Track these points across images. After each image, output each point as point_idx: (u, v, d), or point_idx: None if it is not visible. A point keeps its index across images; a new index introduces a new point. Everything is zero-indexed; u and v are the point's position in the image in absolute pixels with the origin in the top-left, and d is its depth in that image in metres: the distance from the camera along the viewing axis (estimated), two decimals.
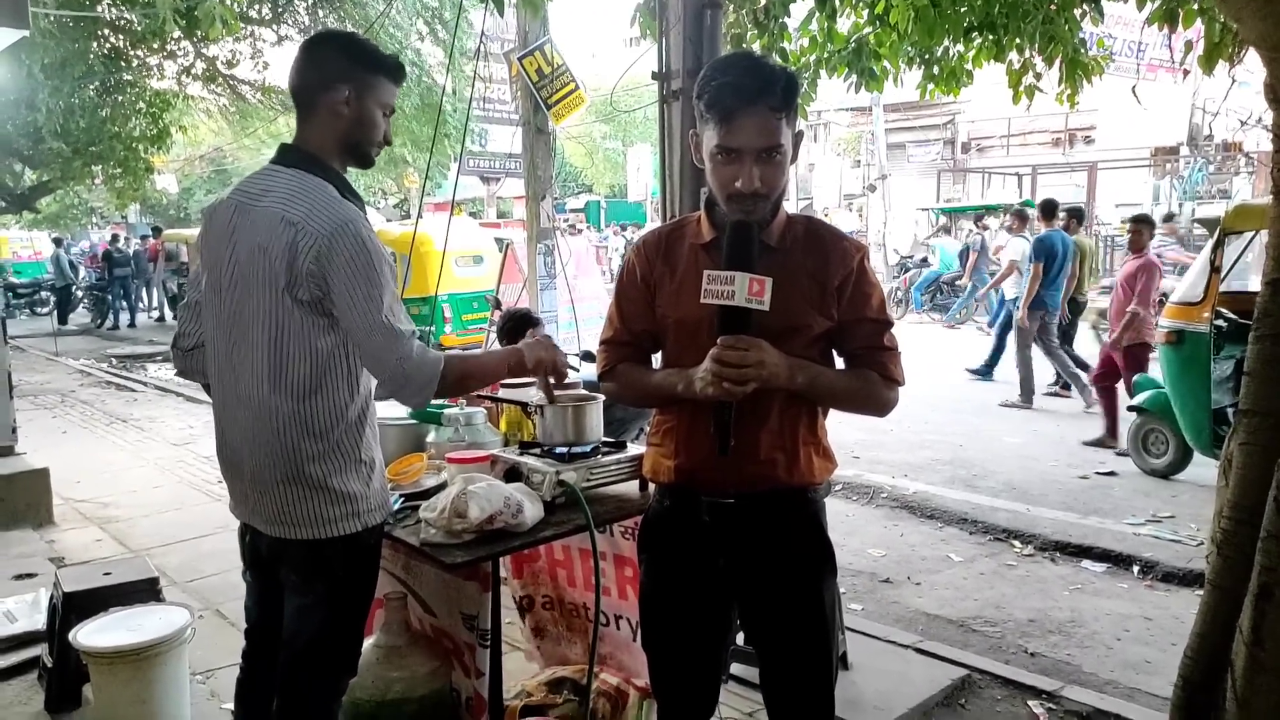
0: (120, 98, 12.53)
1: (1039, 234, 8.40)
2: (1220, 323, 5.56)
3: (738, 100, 1.66)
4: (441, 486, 2.31)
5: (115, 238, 21.37)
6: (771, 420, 1.79)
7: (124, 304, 18.86)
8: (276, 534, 1.97)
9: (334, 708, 2.07)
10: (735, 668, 3.14)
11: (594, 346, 6.51)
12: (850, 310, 1.81)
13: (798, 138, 1.78)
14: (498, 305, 7.27)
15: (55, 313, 18.19)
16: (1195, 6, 4.16)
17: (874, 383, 1.83)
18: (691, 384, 1.72)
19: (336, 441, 1.92)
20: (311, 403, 1.88)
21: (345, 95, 1.93)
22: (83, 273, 20.71)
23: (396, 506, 2.24)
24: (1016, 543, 5.09)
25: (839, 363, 1.91)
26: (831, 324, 1.81)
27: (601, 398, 2.53)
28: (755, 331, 1.67)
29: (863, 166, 26.00)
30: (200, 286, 2.05)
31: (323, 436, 1.90)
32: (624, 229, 22.27)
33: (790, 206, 1.95)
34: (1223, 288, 5.58)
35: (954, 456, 6.82)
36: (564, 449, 2.39)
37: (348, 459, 1.94)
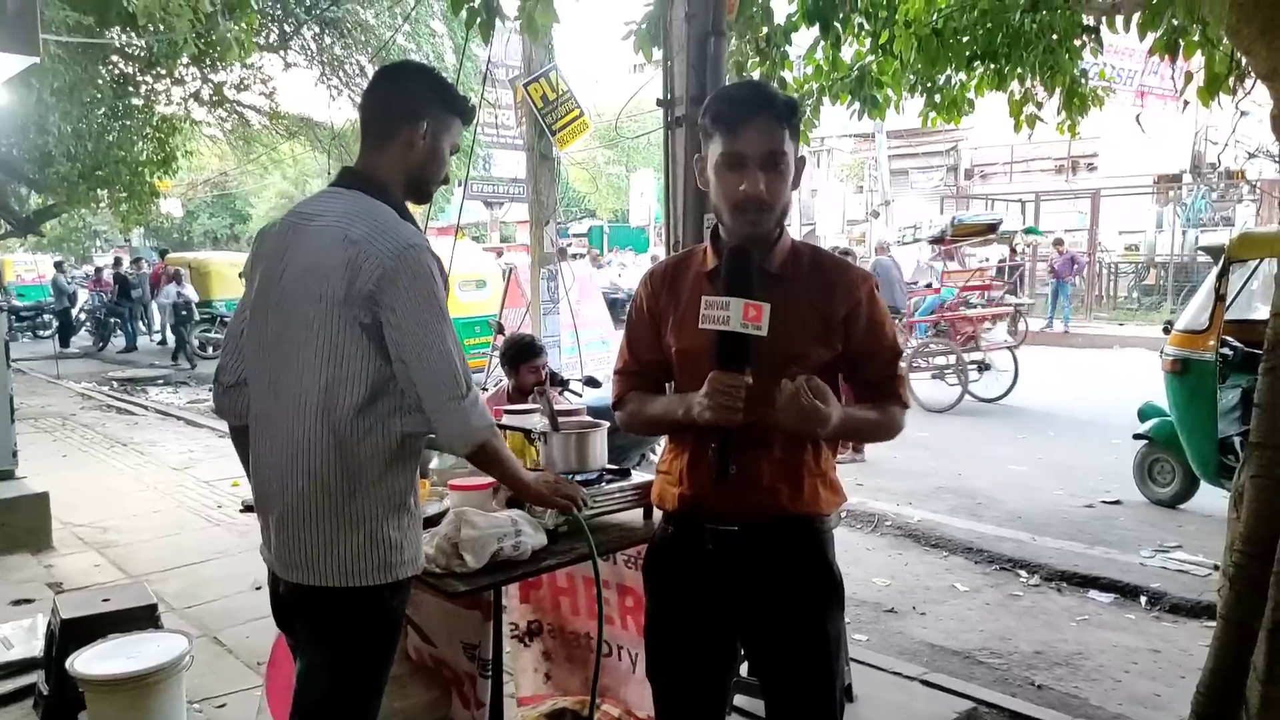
0: (128, 122, 12.60)
1: None
2: (1226, 351, 5.54)
3: (742, 109, 1.71)
4: (444, 515, 2.29)
5: (118, 261, 21.45)
6: (775, 449, 1.77)
7: (130, 327, 18.91)
8: (295, 579, 1.83)
9: None
10: (738, 699, 3.10)
11: (596, 371, 6.46)
12: (865, 342, 1.81)
13: (800, 162, 1.79)
14: (500, 330, 7.27)
15: (57, 336, 18.22)
16: (1196, 39, 4.19)
17: (892, 413, 1.84)
18: (690, 409, 1.72)
19: (380, 478, 1.81)
20: (359, 433, 1.78)
21: (423, 129, 1.90)
22: (83, 296, 20.75)
23: None
24: (1022, 573, 5.05)
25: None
26: (834, 354, 1.80)
27: (605, 425, 2.51)
28: (754, 359, 1.66)
29: (866, 192, 26.11)
30: (245, 313, 1.94)
31: (366, 472, 1.79)
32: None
33: (794, 233, 1.95)
34: (1228, 316, 5.56)
35: (958, 485, 6.78)
36: (568, 476, 2.37)
37: (391, 502, 1.83)
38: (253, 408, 1.92)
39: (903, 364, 1.88)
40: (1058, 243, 18.16)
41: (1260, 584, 1.63)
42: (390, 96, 1.92)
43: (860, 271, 1.86)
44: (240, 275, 1.99)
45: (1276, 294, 1.75)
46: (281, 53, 13.70)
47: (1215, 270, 5.69)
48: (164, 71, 12.15)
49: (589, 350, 8.27)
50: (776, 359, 1.70)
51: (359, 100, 1.98)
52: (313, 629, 1.87)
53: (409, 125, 1.89)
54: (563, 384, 4.67)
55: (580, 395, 4.85)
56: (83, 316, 20.32)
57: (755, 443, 1.72)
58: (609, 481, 2.44)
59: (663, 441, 2.02)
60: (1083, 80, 5.08)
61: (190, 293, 16.72)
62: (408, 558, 1.86)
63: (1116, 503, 6.27)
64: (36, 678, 3.29)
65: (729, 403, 1.65)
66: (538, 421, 2.61)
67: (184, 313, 16.33)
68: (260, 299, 1.88)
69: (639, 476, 2.50)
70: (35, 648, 3.50)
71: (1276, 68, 1.51)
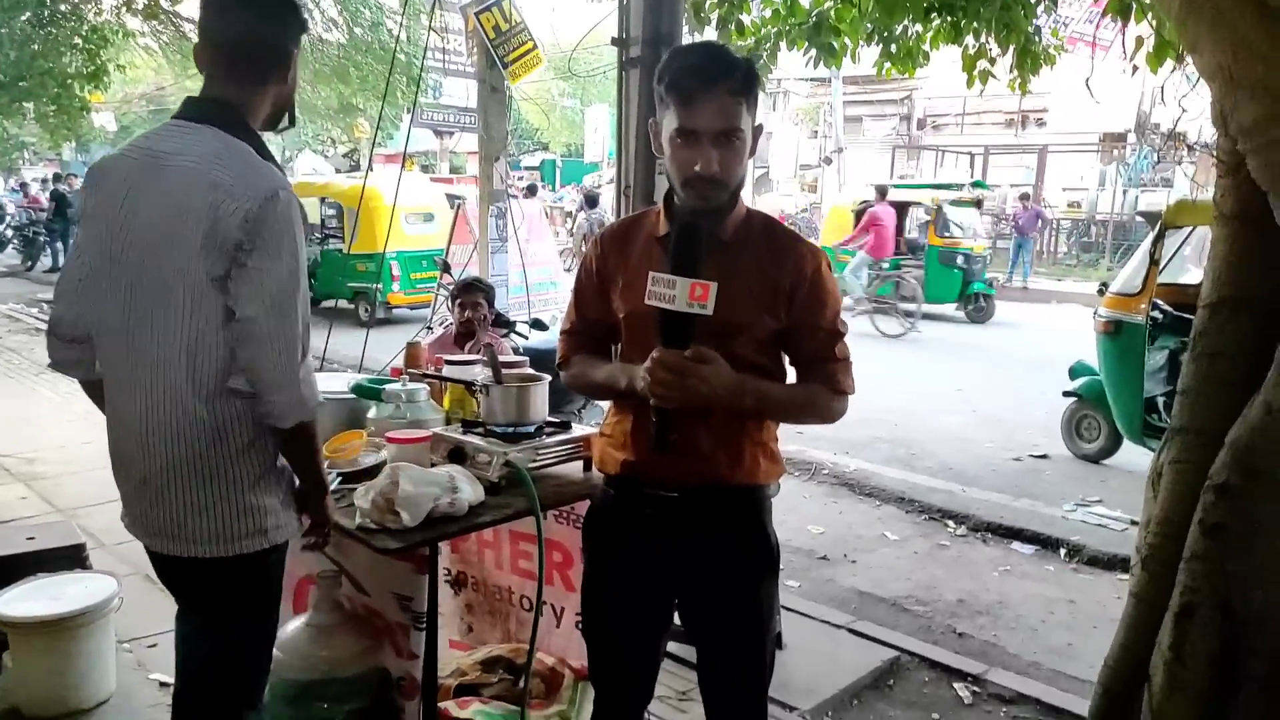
0: (53, 30, 11.94)
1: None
2: (1156, 314, 5.70)
3: (698, 82, 1.65)
4: (380, 466, 2.27)
5: (57, 176, 20.52)
6: (715, 417, 1.77)
7: (63, 246, 18.17)
8: (164, 550, 1.73)
9: None
10: (671, 645, 3.15)
11: (544, 313, 6.34)
12: (803, 316, 1.78)
13: (757, 130, 1.75)
14: (446, 269, 7.15)
15: None
16: (1148, 2, 4.20)
17: (822, 396, 1.82)
18: (634, 381, 1.71)
19: (251, 442, 1.71)
20: (226, 394, 1.67)
21: (292, 59, 1.80)
22: (11, 210, 19.85)
23: (333, 486, 2.16)
24: (950, 523, 5.21)
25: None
26: (779, 325, 1.79)
27: (547, 379, 2.50)
28: (698, 333, 1.64)
29: (820, 138, 26.05)
30: (86, 259, 1.75)
31: (234, 435, 1.69)
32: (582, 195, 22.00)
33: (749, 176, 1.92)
34: (1160, 279, 5.71)
35: (893, 435, 6.93)
36: (508, 428, 2.36)
37: (262, 466, 1.74)
38: (104, 365, 1.77)
39: (845, 348, 1.83)
40: (1024, 197, 18.20)
41: (1173, 566, 1.69)
42: (266, 30, 1.77)
43: (811, 246, 1.83)
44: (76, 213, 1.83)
45: (1207, 284, 1.78)
46: None
47: (1151, 235, 5.82)
48: None
49: (537, 290, 8.18)
50: (722, 328, 1.69)
51: (213, 19, 1.77)
52: (190, 599, 1.81)
53: (285, 58, 1.79)
54: (508, 325, 4.62)
55: (526, 338, 4.81)
56: (9, 233, 19.45)
57: (695, 411, 1.71)
58: (550, 434, 2.43)
59: None
60: (1036, 39, 5.09)
61: None
62: (284, 521, 1.80)
63: (1044, 457, 6.48)
64: None
65: (670, 381, 1.63)
66: (480, 373, 2.59)
67: None
68: (105, 245, 1.71)
69: (579, 429, 2.50)
70: None
71: (1221, 66, 1.50)
